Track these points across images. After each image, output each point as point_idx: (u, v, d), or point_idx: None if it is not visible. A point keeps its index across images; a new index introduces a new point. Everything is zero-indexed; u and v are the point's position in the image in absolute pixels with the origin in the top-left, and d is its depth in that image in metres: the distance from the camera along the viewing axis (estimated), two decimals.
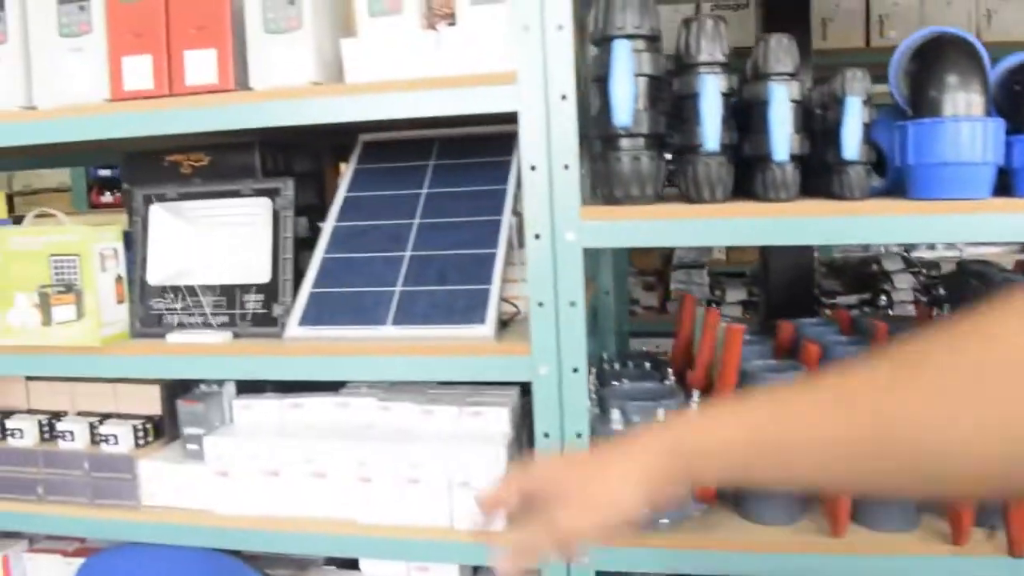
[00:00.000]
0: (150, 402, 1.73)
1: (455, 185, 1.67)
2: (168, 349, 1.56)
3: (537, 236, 1.37)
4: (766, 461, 0.69)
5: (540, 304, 1.37)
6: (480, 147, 1.72)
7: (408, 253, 1.57)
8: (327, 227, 1.65)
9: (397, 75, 1.42)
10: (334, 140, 2.00)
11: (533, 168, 1.35)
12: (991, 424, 0.56)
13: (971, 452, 0.57)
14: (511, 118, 1.37)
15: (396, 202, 1.67)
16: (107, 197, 3.69)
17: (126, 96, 1.55)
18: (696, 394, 1.47)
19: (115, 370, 1.61)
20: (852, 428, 0.63)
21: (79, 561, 1.83)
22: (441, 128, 1.78)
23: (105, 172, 3.71)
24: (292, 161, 1.83)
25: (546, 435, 1.40)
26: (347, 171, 1.76)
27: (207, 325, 1.61)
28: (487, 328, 1.43)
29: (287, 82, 1.47)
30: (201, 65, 1.51)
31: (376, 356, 1.44)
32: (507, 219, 1.58)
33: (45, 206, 1.92)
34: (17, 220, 1.88)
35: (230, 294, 1.61)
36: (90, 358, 1.59)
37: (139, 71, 1.54)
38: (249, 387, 1.73)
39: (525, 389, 1.53)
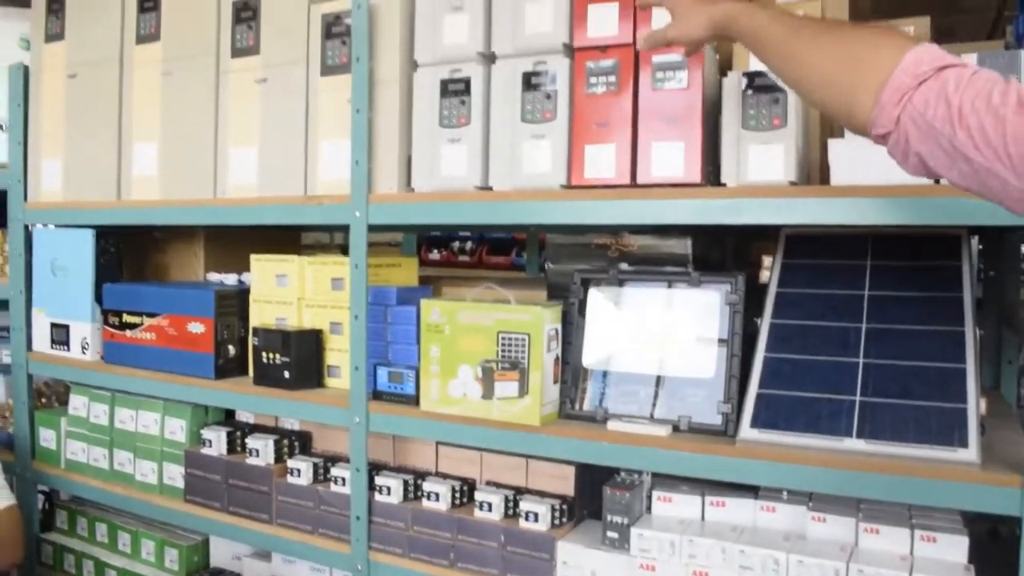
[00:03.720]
0: (564, 482, 1.74)
1: (899, 289, 1.59)
2: (608, 436, 1.57)
3: None
4: (760, 47, 1.14)
5: None
6: (921, 249, 1.63)
7: (861, 360, 1.50)
8: (764, 324, 1.61)
9: (885, 179, 1.37)
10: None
11: None
12: (818, 66, 1.05)
13: (811, 78, 1.06)
14: None
15: (836, 302, 1.61)
16: (435, 255, 3.86)
17: (585, 184, 1.59)
18: None
19: (552, 451, 1.63)
20: (781, 48, 1.10)
21: None
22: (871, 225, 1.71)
23: (436, 232, 3.88)
24: (713, 251, 1.82)
25: None
26: (774, 265, 1.72)
27: (643, 415, 1.60)
28: (970, 452, 1.34)
29: (762, 180, 1.45)
30: (668, 158, 1.53)
31: (843, 470, 1.38)
32: (971, 331, 1.49)
33: (379, 259, 2.00)
34: None
35: (668, 386, 1.61)
36: (528, 435, 1.63)
37: (601, 160, 1.58)
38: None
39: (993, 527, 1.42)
